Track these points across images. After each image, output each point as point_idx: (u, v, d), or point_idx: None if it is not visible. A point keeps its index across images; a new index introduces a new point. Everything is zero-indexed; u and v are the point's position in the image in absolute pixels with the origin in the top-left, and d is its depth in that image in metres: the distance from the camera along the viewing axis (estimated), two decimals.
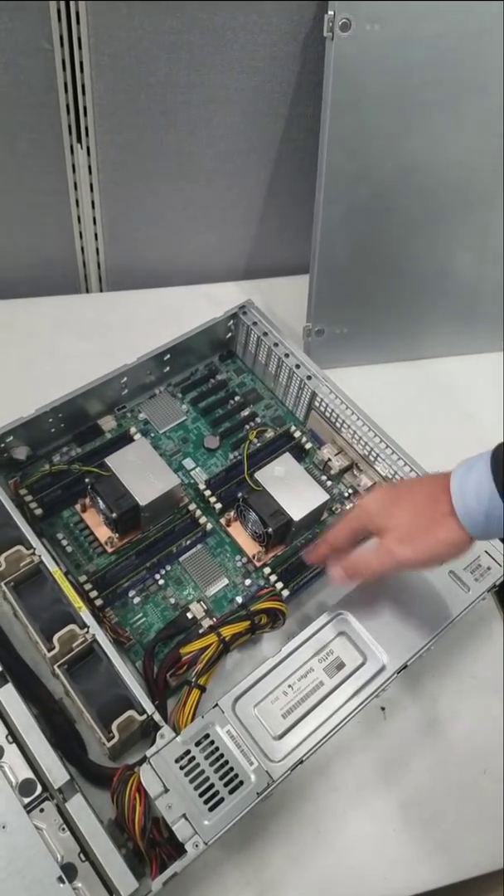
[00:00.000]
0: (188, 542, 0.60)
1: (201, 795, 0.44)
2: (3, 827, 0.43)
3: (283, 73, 0.66)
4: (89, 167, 0.70)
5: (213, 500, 0.62)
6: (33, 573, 0.53)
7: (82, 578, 0.57)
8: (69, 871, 0.42)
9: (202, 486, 0.63)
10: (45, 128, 0.66)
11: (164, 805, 0.43)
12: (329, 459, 0.66)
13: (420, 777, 0.53)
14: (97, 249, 0.78)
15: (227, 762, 0.45)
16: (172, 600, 0.58)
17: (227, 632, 0.52)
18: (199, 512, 0.61)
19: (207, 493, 0.63)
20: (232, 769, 0.45)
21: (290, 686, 0.48)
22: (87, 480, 0.60)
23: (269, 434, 0.68)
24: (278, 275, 0.84)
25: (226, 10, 0.61)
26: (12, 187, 0.71)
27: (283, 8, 0.62)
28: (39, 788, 0.44)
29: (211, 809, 0.43)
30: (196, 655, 0.51)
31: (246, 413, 0.70)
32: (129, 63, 0.63)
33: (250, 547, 0.61)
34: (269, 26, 0.63)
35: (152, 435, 0.68)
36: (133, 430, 0.66)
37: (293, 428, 0.68)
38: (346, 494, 0.66)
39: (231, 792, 0.44)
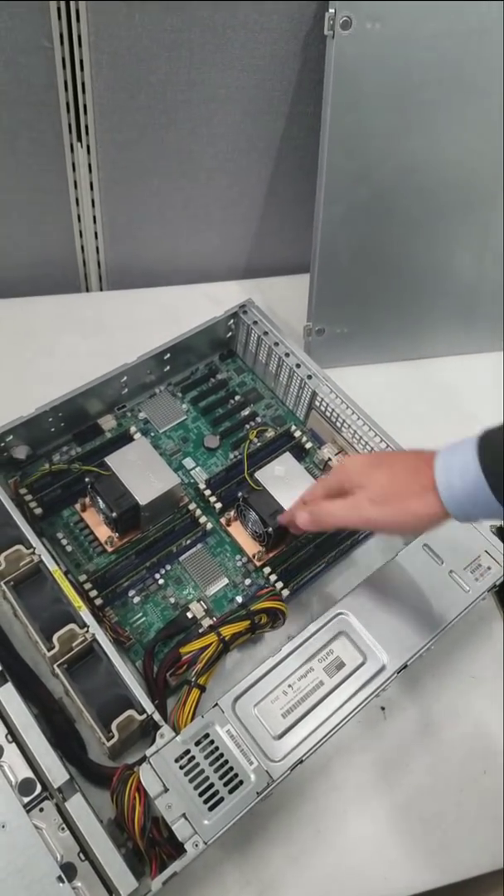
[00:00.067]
0: (188, 542, 0.60)
1: (201, 795, 0.44)
2: (3, 826, 0.43)
3: (283, 71, 0.66)
4: (89, 166, 0.70)
5: (213, 499, 0.62)
6: (33, 572, 0.53)
7: (82, 578, 0.57)
8: (69, 871, 0.42)
9: (202, 486, 0.63)
10: (46, 126, 0.66)
11: (164, 805, 0.43)
12: (329, 459, 0.66)
13: (420, 777, 0.53)
14: (97, 248, 0.78)
15: (226, 762, 0.45)
16: (172, 600, 0.58)
17: (227, 631, 0.52)
18: (199, 511, 0.61)
19: (207, 492, 0.63)
20: (232, 769, 0.45)
21: (290, 686, 0.48)
22: (87, 480, 0.60)
23: (270, 433, 0.68)
24: (279, 274, 0.84)
25: (226, 9, 0.61)
26: (12, 186, 0.70)
27: (284, 6, 0.61)
28: (39, 788, 0.44)
29: (211, 809, 0.43)
30: (196, 655, 0.51)
31: (246, 412, 0.70)
32: (130, 61, 0.63)
33: (250, 546, 0.61)
34: (269, 24, 0.62)
35: (152, 434, 0.68)
36: (133, 429, 0.66)
37: (293, 427, 0.68)
38: None
39: (231, 791, 0.44)
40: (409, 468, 0.44)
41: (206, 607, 0.57)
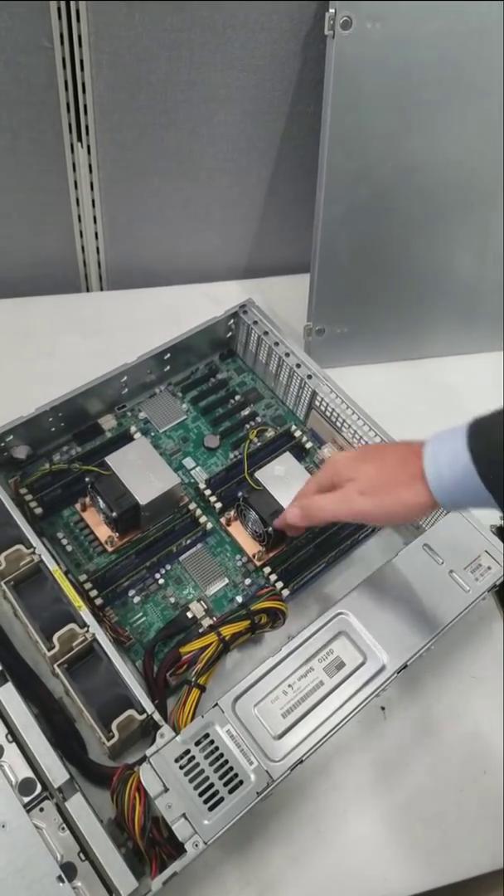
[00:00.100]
0: (188, 542, 0.60)
1: (201, 795, 0.44)
2: (3, 826, 0.43)
3: (283, 71, 0.66)
4: (90, 166, 0.70)
5: (213, 499, 0.62)
6: (33, 572, 0.53)
7: (82, 577, 0.57)
8: (69, 871, 0.42)
9: (202, 486, 0.63)
10: (46, 126, 0.66)
11: (164, 804, 0.43)
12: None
13: (420, 777, 0.53)
14: (97, 248, 0.78)
15: (226, 762, 0.45)
16: (172, 599, 0.58)
17: (227, 631, 0.52)
18: (199, 511, 0.61)
19: (207, 492, 0.63)
20: (232, 769, 0.45)
21: (290, 685, 0.48)
22: (87, 479, 0.60)
23: (270, 433, 0.68)
24: (279, 274, 0.84)
25: (226, 8, 0.61)
26: (12, 186, 0.70)
27: (284, 6, 0.61)
28: (39, 788, 0.44)
29: (211, 809, 0.43)
30: (196, 655, 0.51)
31: (246, 412, 0.70)
32: (130, 61, 0.63)
33: (250, 546, 0.61)
34: (269, 24, 0.62)
35: (152, 434, 0.68)
36: (133, 429, 0.66)
37: (293, 427, 0.68)
38: None
39: (231, 791, 0.44)
40: (397, 459, 0.45)
41: (206, 607, 0.57)
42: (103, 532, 0.60)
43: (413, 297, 0.75)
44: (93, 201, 0.73)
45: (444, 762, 0.54)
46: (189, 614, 0.56)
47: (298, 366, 0.67)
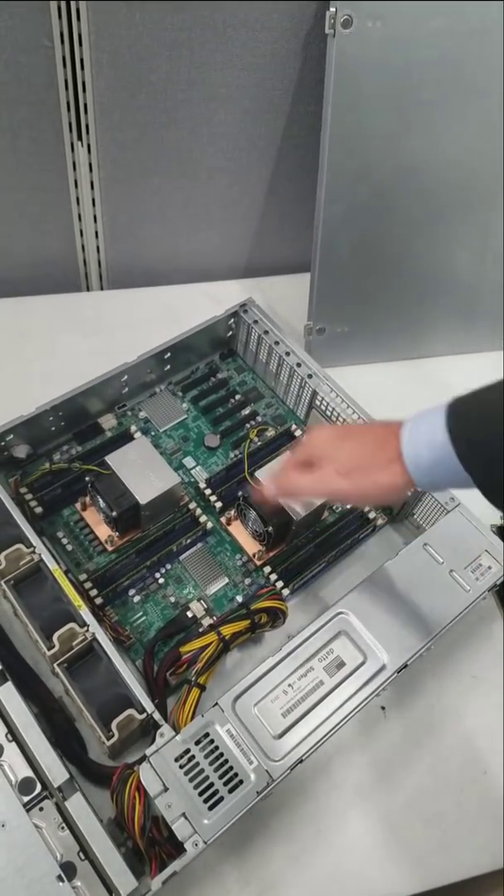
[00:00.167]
0: (188, 541, 0.60)
1: (201, 794, 0.44)
2: (3, 825, 0.43)
3: (284, 70, 0.66)
4: (90, 165, 0.70)
5: (213, 498, 0.62)
6: (33, 571, 0.53)
7: (82, 577, 0.56)
8: (68, 870, 0.42)
9: (202, 485, 0.63)
10: (46, 125, 0.66)
11: (164, 804, 0.43)
12: None
13: (420, 777, 0.53)
14: (98, 247, 0.78)
15: (226, 761, 0.45)
16: (172, 599, 0.58)
17: (227, 630, 0.52)
18: (199, 510, 0.61)
19: (208, 491, 0.63)
20: (232, 768, 0.45)
21: (290, 685, 0.48)
22: (87, 479, 0.60)
23: (270, 433, 0.68)
24: (279, 273, 0.84)
25: (227, 8, 0.61)
26: (13, 185, 0.70)
27: (285, 5, 0.61)
28: (39, 787, 0.44)
29: (210, 808, 0.43)
30: (196, 654, 0.51)
31: (246, 412, 0.70)
32: (130, 60, 0.63)
33: (250, 546, 0.61)
34: (270, 23, 0.62)
35: (153, 433, 0.68)
36: (133, 428, 0.66)
37: (294, 426, 0.68)
38: None
39: (231, 791, 0.44)
40: (375, 440, 0.44)
41: (206, 606, 0.57)
42: (103, 531, 0.60)
43: (413, 296, 0.75)
44: (93, 200, 0.73)
45: (444, 762, 0.54)
46: (189, 614, 0.56)
47: (299, 365, 0.67)
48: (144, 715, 0.47)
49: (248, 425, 0.69)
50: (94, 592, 0.56)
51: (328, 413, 0.66)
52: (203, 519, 0.61)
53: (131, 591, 0.58)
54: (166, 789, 0.44)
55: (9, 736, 0.46)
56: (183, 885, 0.47)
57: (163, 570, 0.59)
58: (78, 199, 0.73)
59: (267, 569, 0.59)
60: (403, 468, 0.42)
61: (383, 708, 0.56)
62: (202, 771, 0.44)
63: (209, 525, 0.61)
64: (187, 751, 0.45)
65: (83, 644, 0.50)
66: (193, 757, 0.45)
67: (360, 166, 0.65)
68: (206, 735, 0.46)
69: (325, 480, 0.46)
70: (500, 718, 0.56)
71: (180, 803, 0.43)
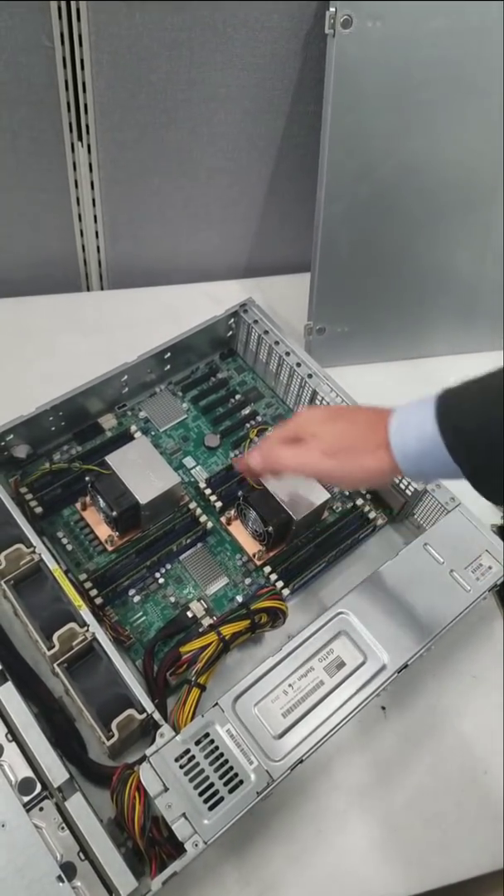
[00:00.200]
0: (188, 541, 0.60)
1: (201, 794, 0.44)
2: (3, 825, 0.42)
3: (284, 70, 0.66)
4: (90, 165, 0.70)
5: (213, 498, 0.62)
6: (33, 571, 0.53)
7: (82, 577, 0.56)
8: (68, 870, 0.42)
9: (202, 485, 0.63)
10: (46, 125, 0.66)
11: (164, 804, 0.43)
12: None
13: (421, 777, 0.53)
14: (98, 247, 0.78)
15: (226, 761, 0.45)
16: (172, 599, 0.58)
17: (227, 630, 0.52)
18: (199, 510, 0.61)
19: (208, 491, 0.63)
20: (232, 768, 0.45)
21: (290, 685, 0.48)
22: (87, 479, 0.60)
23: (270, 432, 0.68)
24: (279, 273, 0.84)
25: (227, 7, 0.61)
26: (13, 185, 0.70)
27: (285, 5, 0.61)
28: (39, 787, 0.44)
29: (211, 809, 0.43)
30: (196, 654, 0.51)
31: (247, 411, 0.70)
32: (130, 60, 0.63)
33: (251, 545, 0.61)
34: (270, 23, 0.62)
35: (153, 433, 0.67)
36: (133, 428, 0.66)
37: None
38: (347, 493, 0.65)
39: (231, 791, 0.44)
40: (365, 423, 0.44)
41: (206, 606, 0.57)
42: (103, 531, 0.60)
43: (413, 296, 0.75)
44: (93, 200, 0.73)
45: (445, 762, 0.54)
46: (189, 613, 0.56)
47: (299, 365, 0.67)
48: (144, 715, 0.47)
49: (248, 425, 0.69)
50: (94, 592, 0.56)
51: None
52: (203, 519, 0.61)
53: (131, 591, 0.58)
54: (166, 789, 0.44)
55: (9, 736, 0.45)
56: (183, 886, 0.47)
57: (163, 570, 0.59)
58: (78, 199, 0.73)
59: (267, 569, 0.59)
60: (390, 455, 0.42)
61: (384, 708, 0.56)
62: (202, 771, 0.44)
63: (209, 525, 0.61)
64: (187, 751, 0.45)
65: (83, 644, 0.50)
66: (193, 757, 0.45)
67: (360, 166, 0.65)
68: (207, 735, 0.46)
69: (309, 457, 0.46)
70: (500, 718, 0.56)
71: (180, 803, 0.43)
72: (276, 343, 0.68)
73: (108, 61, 0.62)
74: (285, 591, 0.58)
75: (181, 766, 0.44)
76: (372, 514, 0.63)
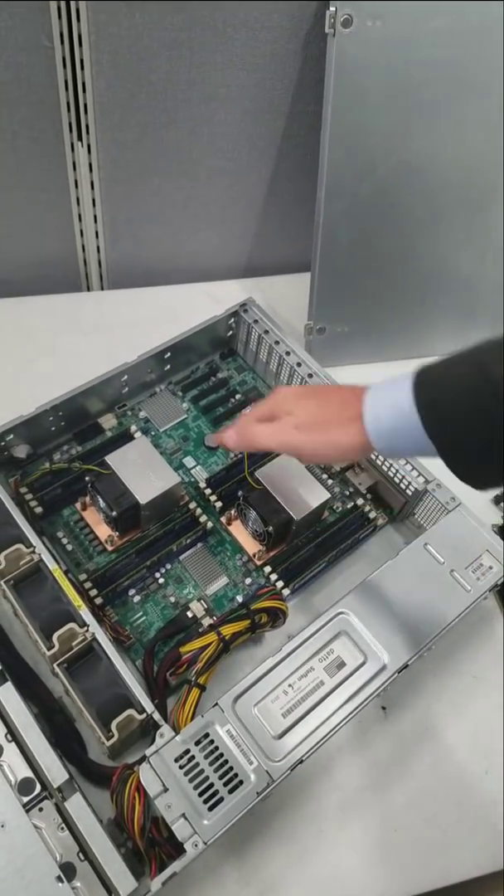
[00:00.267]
0: (188, 541, 0.60)
1: (201, 795, 0.44)
2: (2, 826, 0.42)
3: (284, 70, 0.66)
4: (90, 165, 0.70)
5: (213, 498, 0.62)
6: (33, 571, 0.53)
7: (82, 577, 0.56)
8: (68, 871, 0.42)
9: (203, 485, 0.63)
10: (46, 125, 0.66)
11: (164, 804, 0.43)
12: None
13: (421, 777, 0.53)
14: (98, 247, 0.78)
15: (226, 761, 0.45)
16: (172, 599, 0.58)
17: (227, 631, 0.52)
18: (199, 510, 0.61)
19: (208, 491, 0.63)
20: (232, 768, 0.45)
21: (290, 685, 0.48)
22: (87, 479, 0.60)
23: None
24: (279, 273, 0.84)
25: (226, 7, 0.61)
26: (13, 185, 0.70)
27: (284, 5, 0.61)
28: (38, 787, 0.44)
29: (210, 809, 0.43)
30: (196, 654, 0.51)
31: (247, 411, 0.70)
32: (130, 60, 0.63)
33: (251, 545, 0.61)
34: (270, 23, 0.62)
35: (153, 433, 0.67)
36: (133, 428, 0.66)
37: None
38: (347, 493, 0.65)
39: (231, 791, 0.44)
40: (338, 400, 0.45)
41: (206, 606, 0.57)
42: (103, 531, 0.60)
43: (413, 296, 0.75)
44: (93, 200, 0.73)
45: (445, 762, 0.54)
46: (189, 613, 0.56)
47: (299, 364, 0.67)
48: (144, 715, 0.47)
49: None
50: (94, 592, 0.55)
51: None
52: (203, 519, 0.61)
53: (131, 591, 0.58)
54: (166, 790, 0.44)
55: (8, 736, 0.45)
56: (183, 886, 0.47)
57: (163, 570, 0.59)
58: (78, 200, 0.73)
59: (267, 569, 0.59)
60: (362, 430, 0.42)
61: (384, 708, 0.56)
62: (202, 771, 0.44)
63: (209, 525, 0.61)
64: (187, 751, 0.45)
65: (83, 644, 0.50)
66: (193, 757, 0.45)
67: (361, 166, 0.65)
68: (206, 735, 0.46)
69: (283, 433, 0.46)
70: (500, 719, 0.56)
71: (180, 804, 0.43)
72: (277, 343, 0.68)
73: (108, 61, 0.62)
74: (285, 591, 0.58)
75: (181, 767, 0.44)
76: (372, 514, 0.63)
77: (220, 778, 0.44)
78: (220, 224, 0.80)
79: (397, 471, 0.61)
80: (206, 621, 0.56)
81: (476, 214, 0.71)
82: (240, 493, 0.60)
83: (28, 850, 0.42)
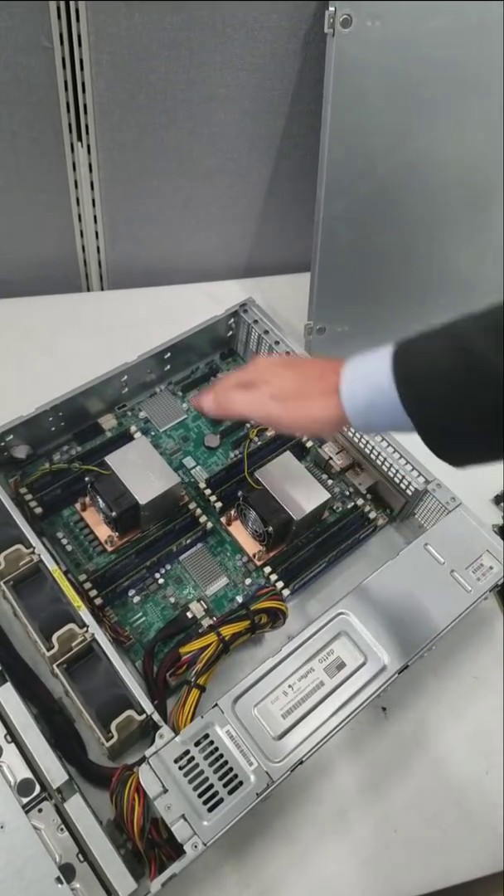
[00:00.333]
0: (188, 541, 0.60)
1: (200, 796, 0.44)
2: (2, 827, 0.42)
3: (283, 70, 0.66)
4: (90, 165, 0.70)
5: (213, 498, 0.62)
6: (33, 572, 0.53)
7: (82, 577, 0.56)
8: (67, 872, 0.42)
9: (202, 485, 0.63)
10: (46, 126, 0.66)
11: (163, 805, 0.43)
12: (330, 458, 0.66)
13: (421, 778, 0.53)
14: (98, 248, 0.78)
15: (226, 762, 0.45)
16: (172, 599, 0.58)
17: (227, 631, 0.52)
18: (199, 511, 0.61)
19: (208, 491, 0.63)
20: (231, 769, 0.45)
21: (290, 686, 0.48)
22: (87, 479, 0.59)
23: (270, 432, 0.68)
24: (279, 273, 0.84)
25: (226, 7, 0.61)
26: (12, 186, 0.70)
27: (284, 5, 0.61)
28: (38, 788, 0.44)
29: (210, 810, 0.43)
30: (196, 655, 0.51)
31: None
32: (130, 61, 0.63)
33: (251, 546, 0.61)
34: (269, 23, 0.62)
35: (153, 433, 0.67)
36: (133, 428, 0.66)
37: None
38: (347, 493, 0.65)
39: (230, 792, 0.44)
40: (315, 372, 0.45)
41: (206, 607, 0.56)
42: (103, 532, 0.60)
43: (413, 295, 0.75)
44: (93, 201, 0.73)
45: (445, 763, 0.54)
46: (189, 614, 0.56)
47: None
48: (144, 716, 0.47)
49: (248, 425, 0.69)
50: (93, 593, 0.55)
51: None
52: (203, 519, 0.61)
53: (131, 592, 0.58)
54: (166, 791, 0.44)
55: (8, 737, 0.45)
56: (183, 887, 0.47)
57: (163, 571, 0.59)
58: (78, 200, 0.73)
59: (267, 569, 0.59)
60: (338, 403, 0.42)
61: (384, 709, 0.55)
62: (202, 772, 0.44)
63: (209, 525, 0.61)
64: (187, 752, 0.45)
65: (82, 645, 0.49)
66: (193, 758, 0.45)
67: (360, 165, 0.65)
68: (206, 736, 0.46)
69: (259, 401, 0.46)
70: (500, 719, 0.56)
71: (180, 805, 0.43)
72: (277, 343, 0.68)
73: (108, 62, 0.62)
74: (285, 592, 0.58)
75: (181, 768, 0.44)
76: (372, 515, 0.63)
77: (220, 779, 0.44)
78: (220, 224, 0.80)
79: (397, 471, 0.61)
80: (206, 622, 0.55)
81: (476, 214, 0.71)
82: (240, 493, 0.60)
83: (27, 851, 0.42)
